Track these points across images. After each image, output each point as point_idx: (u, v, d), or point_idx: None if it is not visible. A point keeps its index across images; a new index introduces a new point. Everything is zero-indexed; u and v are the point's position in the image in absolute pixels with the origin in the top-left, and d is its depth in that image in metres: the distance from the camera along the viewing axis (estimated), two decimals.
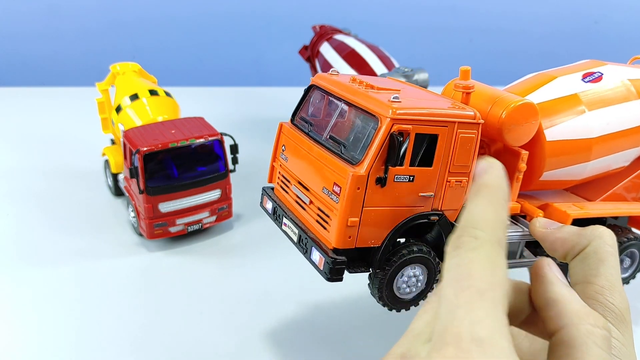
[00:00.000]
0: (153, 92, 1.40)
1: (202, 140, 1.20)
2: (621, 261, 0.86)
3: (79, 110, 1.88)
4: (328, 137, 0.71)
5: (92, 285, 1.08)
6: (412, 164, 0.66)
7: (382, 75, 1.05)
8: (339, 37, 1.86)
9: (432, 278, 0.70)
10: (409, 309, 0.72)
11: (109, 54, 2.42)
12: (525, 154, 0.75)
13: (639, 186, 0.90)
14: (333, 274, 0.65)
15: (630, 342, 0.62)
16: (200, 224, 1.23)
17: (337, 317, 1.01)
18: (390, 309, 0.71)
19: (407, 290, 0.70)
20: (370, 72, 1.57)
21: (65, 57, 2.88)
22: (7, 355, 0.91)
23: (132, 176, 1.16)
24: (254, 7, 2.80)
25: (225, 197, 1.26)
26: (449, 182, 0.68)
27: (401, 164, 0.65)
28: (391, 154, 0.63)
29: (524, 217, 0.81)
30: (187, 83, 2.47)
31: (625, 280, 0.89)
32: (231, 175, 1.26)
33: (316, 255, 0.67)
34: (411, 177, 0.66)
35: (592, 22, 2.80)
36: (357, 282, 1.12)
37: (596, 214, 0.83)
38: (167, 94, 1.43)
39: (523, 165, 0.76)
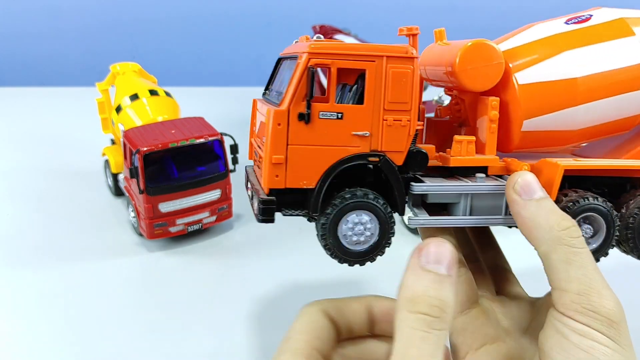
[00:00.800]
0: (153, 92, 1.40)
1: (202, 140, 1.20)
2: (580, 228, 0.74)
3: (79, 110, 1.88)
4: (273, 93, 0.72)
5: (92, 284, 1.08)
6: (341, 101, 0.66)
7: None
8: (339, 37, 1.86)
9: (386, 230, 0.66)
10: (363, 264, 0.68)
11: (109, 54, 2.41)
12: (492, 99, 0.71)
13: None
14: (262, 214, 0.65)
15: (626, 344, 0.59)
16: (200, 224, 1.23)
17: None
18: (341, 262, 0.67)
19: (355, 239, 0.66)
20: None
21: (66, 57, 2.88)
22: (7, 355, 0.91)
23: (132, 176, 1.16)
24: (254, 7, 2.80)
25: (225, 197, 1.26)
26: (386, 120, 0.65)
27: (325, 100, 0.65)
28: (310, 84, 0.63)
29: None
30: (187, 83, 2.48)
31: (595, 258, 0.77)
32: (231, 175, 1.26)
33: (255, 202, 0.67)
34: (339, 115, 0.65)
35: None
36: (358, 282, 1.11)
37: (595, 165, 0.73)
38: (167, 94, 1.43)
39: (494, 113, 0.71)
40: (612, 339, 0.59)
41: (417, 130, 0.69)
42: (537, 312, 0.74)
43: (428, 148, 0.72)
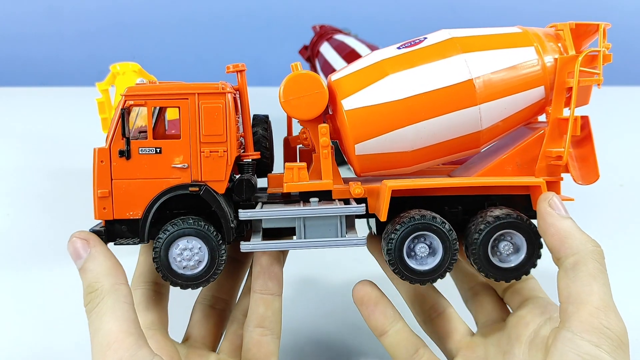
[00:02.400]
0: None
1: None
2: (412, 247, 0.72)
3: (79, 110, 1.88)
4: None
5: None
6: (160, 137, 0.72)
7: None
8: (339, 37, 1.86)
9: (216, 256, 0.70)
10: (195, 287, 0.71)
11: (109, 54, 2.41)
12: (322, 126, 0.74)
13: (526, 157, 0.76)
14: None
15: None
16: None
17: (337, 318, 1.01)
18: (171, 282, 0.71)
19: (184, 264, 0.70)
20: None
21: (66, 57, 2.88)
22: (8, 355, 0.91)
23: None
24: (254, 7, 2.80)
25: None
26: (204, 152, 0.70)
27: (143, 138, 0.71)
28: (123, 124, 0.69)
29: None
30: None
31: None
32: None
33: None
34: (158, 149, 0.71)
35: None
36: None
37: (419, 185, 0.73)
38: None
39: (324, 139, 0.74)
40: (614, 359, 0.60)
41: (251, 160, 0.75)
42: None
43: (273, 176, 0.78)
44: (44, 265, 1.14)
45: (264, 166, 0.79)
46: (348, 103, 0.73)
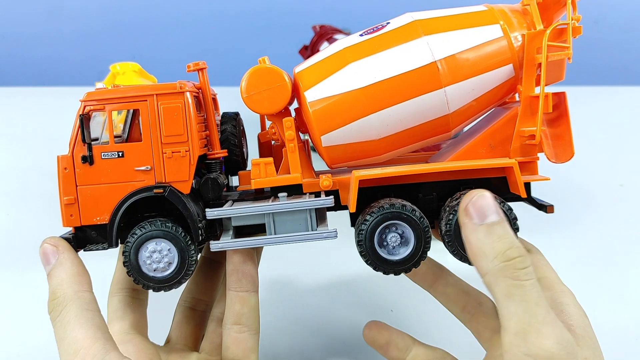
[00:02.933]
0: None
1: None
2: (384, 237, 0.70)
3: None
4: None
5: (93, 284, 1.07)
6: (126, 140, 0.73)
7: None
8: (339, 37, 1.86)
9: (185, 257, 0.70)
10: (167, 289, 0.71)
11: (109, 54, 2.42)
12: (286, 120, 0.73)
13: (499, 138, 0.74)
14: None
15: None
16: None
17: (337, 318, 1.01)
18: (143, 285, 0.71)
19: (154, 266, 0.70)
20: None
21: (66, 57, 2.88)
22: (8, 355, 0.91)
23: None
24: (254, 7, 2.80)
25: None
26: (165, 153, 0.69)
27: (104, 142, 0.71)
28: (83, 131, 0.69)
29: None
30: None
31: (406, 267, 0.70)
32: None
33: None
34: (120, 153, 0.70)
35: (592, 22, 2.80)
36: (360, 285, 1.12)
37: (385, 173, 0.70)
38: None
39: (289, 133, 0.73)
40: None
41: (219, 158, 0.74)
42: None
43: (244, 173, 0.77)
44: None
45: (235, 164, 0.78)
46: (311, 94, 0.72)
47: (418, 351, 0.77)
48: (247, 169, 0.80)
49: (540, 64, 0.70)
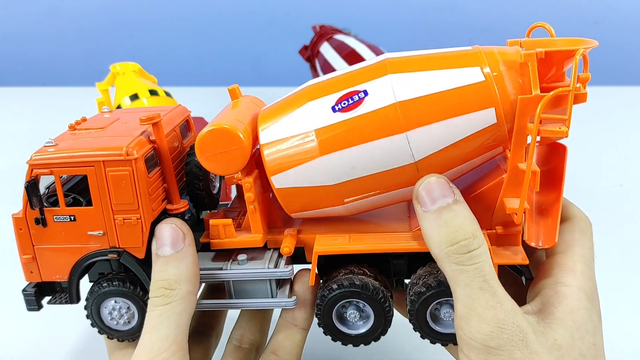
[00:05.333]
0: (153, 92, 1.40)
1: None
2: (344, 310, 0.68)
3: (79, 110, 1.87)
4: None
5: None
6: (74, 204, 0.69)
7: None
8: (339, 37, 1.86)
9: (145, 314, 0.67)
10: (132, 340, 0.72)
11: (109, 54, 2.42)
12: (245, 181, 0.68)
13: (484, 204, 0.66)
14: (26, 304, 0.73)
15: None
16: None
17: None
18: (108, 336, 0.72)
19: (115, 322, 0.71)
20: None
21: (66, 57, 2.88)
22: (8, 354, 0.91)
23: None
24: (254, 7, 2.80)
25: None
26: (117, 220, 0.67)
27: (54, 205, 0.68)
28: (30, 197, 0.67)
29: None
30: (187, 83, 2.48)
31: (365, 341, 0.68)
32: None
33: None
34: (72, 217, 0.68)
35: (592, 23, 2.80)
36: None
37: (346, 250, 0.67)
38: (167, 94, 1.43)
39: (248, 195, 0.68)
40: None
41: (180, 212, 0.70)
42: None
43: (209, 217, 0.72)
44: None
45: (203, 204, 0.75)
46: (265, 134, 0.68)
47: None
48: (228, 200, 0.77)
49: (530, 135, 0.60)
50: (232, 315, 0.81)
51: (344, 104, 0.64)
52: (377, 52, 1.67)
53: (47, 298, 0.74)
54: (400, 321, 0.73)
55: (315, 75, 1.90)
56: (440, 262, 0.59)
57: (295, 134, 0.66)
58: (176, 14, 2.85)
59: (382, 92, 0.63)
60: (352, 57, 1.68)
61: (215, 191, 0.78)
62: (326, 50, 1.83)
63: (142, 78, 1.52)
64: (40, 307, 0.73)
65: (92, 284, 0.71)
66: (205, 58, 2.86)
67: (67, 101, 2.20)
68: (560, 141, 0.68)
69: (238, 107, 0.72)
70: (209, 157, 0.66)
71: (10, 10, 2.85)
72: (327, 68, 1.76)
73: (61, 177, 0.68)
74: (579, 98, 0.60)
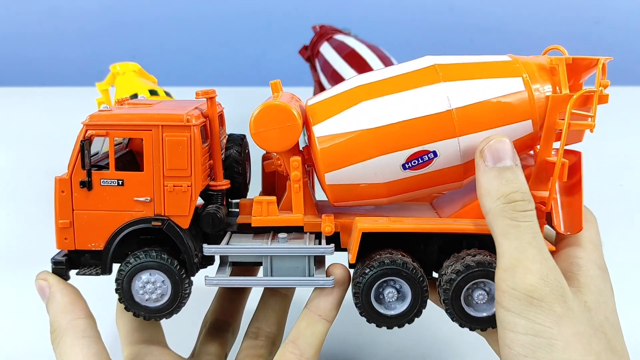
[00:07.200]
0: (153, 92, 1.40)
1: None
2: (381, 291, 0.68)
3: (79, 110, 1.88)
4: None
5: (92, 284, 1.07)
6: (124, 168, 0.69)
7: None
8: (339, 37, 1.86)
9: (179, 290, 0.68)
10: (157, 319, 0.70)
11: (109, 54, 2.42)
12: (293, 159, 0.70)
13: None
14: (54, 272, 0.72)
15: (551, 324, 0.55)
16: None
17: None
18: (134, 313, 0.70)
19: (146, 297, 0.69)
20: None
21: (66, 57, 2.88)
22: (8, 354, 0.91)
23: None
24: (254, 7, 2.80)
25: None
26: (167, 186, 0.67)
27: (102, 168, 0.68)
28: (83, 155, 0.67)
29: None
30: (187, 83, 2.48)
31: (400, 323, 0.69)
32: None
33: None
34: (120, 181, 0.68)
35: (592, 23, 2.80)
36: None
37: (392, 229, 0.69)
38: (167, 94, 1.43)
39: (295, 173, 0.70)
40: (530, 320, 0.56)
41: (222, 190, 0.71)
42: None
43: (245, 202, 0.74)
44: (44, 265, 1.14)
45: (236, 190, 0.75)
46: (319, 130, 0.70)
47: None
48: (249, 195, 0.77)
49: (561, 130, 0.67)
50: (248, 311, 0.83)
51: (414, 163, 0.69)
52: (377, 52, 1.67)
53: (75, 271, 0.73)
54: (411, 328, 0.72)
55: (315, 75, 1.90)
56: (493, 215, 0.61)
57: (353, 131, 0.68)
58: (176, 14, 2.85)
59: (438, 99, 0.67)
60: (352, 57, 1.68)
61: (248, 181, 0.80)
62: (326, 50, 1.82)
63: (142, 78, 1.52)
64: (68, 277, 0.72)
65: (126, 256, 0.70)
66: (205, 58, 2.86)
67: (67, 101, 2.20)
68: (570, 147, 0.73)
69: (281, 97, 0.74)
70: (262, 133, 0.69)
71: (10, 10, 2.85)
72: (327, 68, 1.76)
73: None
74: (602, 99, 0.67)
